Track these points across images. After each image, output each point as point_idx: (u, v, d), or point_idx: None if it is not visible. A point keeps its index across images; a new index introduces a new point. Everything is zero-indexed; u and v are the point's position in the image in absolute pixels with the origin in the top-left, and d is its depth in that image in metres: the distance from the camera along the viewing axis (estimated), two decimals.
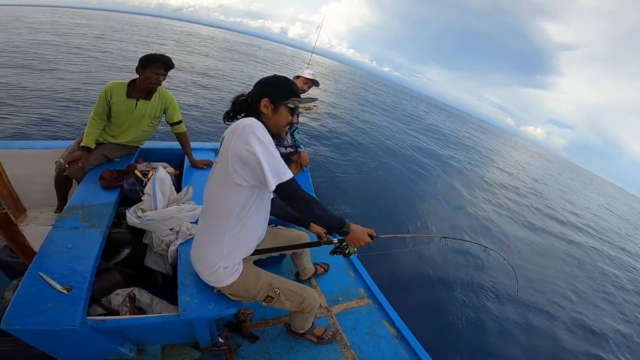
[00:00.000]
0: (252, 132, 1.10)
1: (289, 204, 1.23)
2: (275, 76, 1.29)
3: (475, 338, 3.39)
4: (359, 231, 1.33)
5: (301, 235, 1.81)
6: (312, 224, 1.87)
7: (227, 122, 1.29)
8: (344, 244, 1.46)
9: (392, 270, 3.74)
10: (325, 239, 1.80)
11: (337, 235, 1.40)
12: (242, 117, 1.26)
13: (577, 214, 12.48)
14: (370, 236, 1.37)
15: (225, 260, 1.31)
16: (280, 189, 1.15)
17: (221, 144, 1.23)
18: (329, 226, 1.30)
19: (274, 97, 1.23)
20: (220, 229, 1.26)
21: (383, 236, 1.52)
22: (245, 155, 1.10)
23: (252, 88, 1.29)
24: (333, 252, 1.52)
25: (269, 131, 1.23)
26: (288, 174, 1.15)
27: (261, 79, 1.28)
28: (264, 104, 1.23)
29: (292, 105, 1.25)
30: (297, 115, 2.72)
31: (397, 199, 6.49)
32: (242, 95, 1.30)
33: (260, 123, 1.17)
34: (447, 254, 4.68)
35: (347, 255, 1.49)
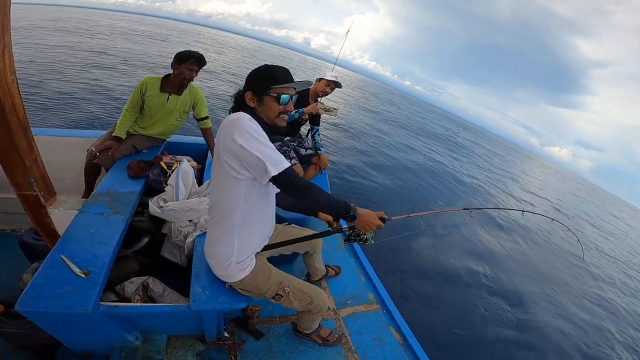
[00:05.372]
0: (236, 125, 1.06)
1: (288, 194, 1.16)
2: (257, 67, 1.20)
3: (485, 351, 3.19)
4: (367, 214, 1.22)
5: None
6: (320, 212, 1.68)
7: None
8: (356, 230, 1.34)
9: (409, 260, 3.35)
10: (335, 225, 1.61)
11: (347, 223, 1.30)
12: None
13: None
14: (382, 219, 1.25)
15: (237, 255, 1.27)
16: (279, 178, 1.06)
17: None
18: (334, 211, 1.21)
19: (255, 89, 1.16)
20: (227, 223, 1.22)
21: (395, 217, 1.40)
22: (233, 149, 1.06)
23: None
24: (347, 240, 1.41)
25: (264, 123, 1.17)
26: (286, 163, 1.08)
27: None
28: (249, 98, 1.18)
29: (275, 94, 1.16)
30: (319, 116, 2.62)
31: None
32: (240, 90, 1.24)
33: (249, 116, 1.11)
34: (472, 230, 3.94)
35: (363, 242, 1.36)
